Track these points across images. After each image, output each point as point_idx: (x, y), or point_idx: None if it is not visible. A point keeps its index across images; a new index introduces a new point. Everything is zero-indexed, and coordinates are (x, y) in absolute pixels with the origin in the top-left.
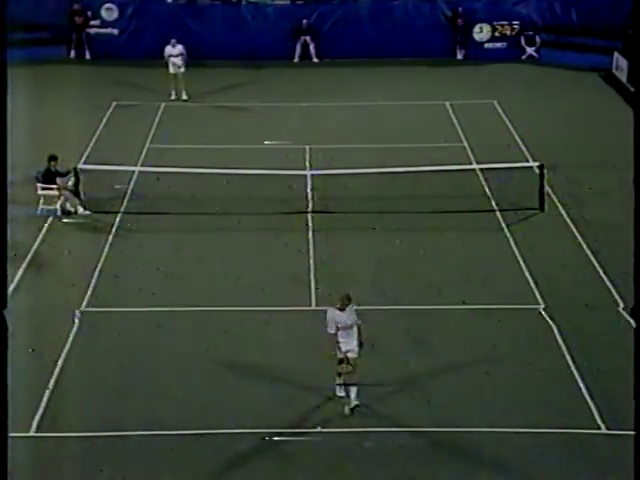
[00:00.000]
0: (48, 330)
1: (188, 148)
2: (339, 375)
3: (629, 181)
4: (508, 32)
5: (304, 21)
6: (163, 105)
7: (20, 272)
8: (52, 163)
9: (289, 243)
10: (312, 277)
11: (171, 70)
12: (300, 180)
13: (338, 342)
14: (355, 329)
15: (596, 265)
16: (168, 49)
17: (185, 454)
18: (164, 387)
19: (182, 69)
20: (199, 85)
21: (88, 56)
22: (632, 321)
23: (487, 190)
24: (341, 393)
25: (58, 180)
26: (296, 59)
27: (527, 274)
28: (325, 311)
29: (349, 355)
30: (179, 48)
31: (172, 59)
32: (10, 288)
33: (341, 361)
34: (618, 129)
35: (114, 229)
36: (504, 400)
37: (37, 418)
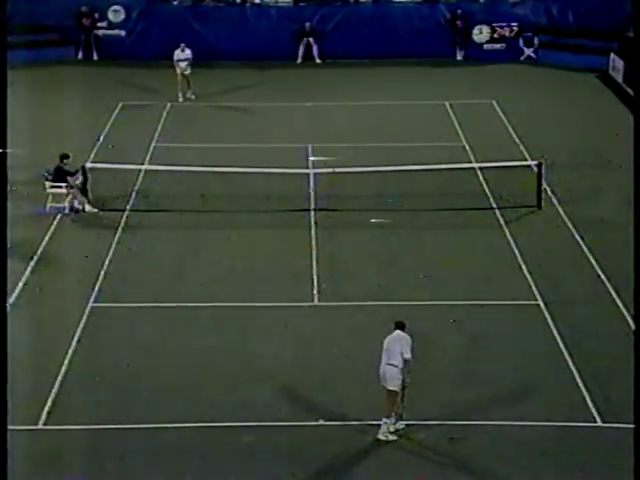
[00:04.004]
0: (56, 325)
1: (193, 147)
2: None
3: (624, 179)
4: (507, 33)
5: (307, 23)
6: (169, 105)
7: (29, 268)
8: (64, 161)
9: (292, 240)
10: (314, 273)
11: (178, 72)
12: (303, 178)
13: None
14: None
15: (592, 262)
16: (177, 53)
17: (188, 447)
18: (169, 381)
19: (187, 71)
20: (204, 85)
21: (95, 57)
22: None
23: (486, 188)
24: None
25: (68, 178)
26: (299, 60)
27: (525, 271)
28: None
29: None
30: (187, 53)
31: (180, 63)
32: (19, 284)
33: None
34: (614, 129)
35: (121, 226)
36: (501, 393)
37: (45, 411)
